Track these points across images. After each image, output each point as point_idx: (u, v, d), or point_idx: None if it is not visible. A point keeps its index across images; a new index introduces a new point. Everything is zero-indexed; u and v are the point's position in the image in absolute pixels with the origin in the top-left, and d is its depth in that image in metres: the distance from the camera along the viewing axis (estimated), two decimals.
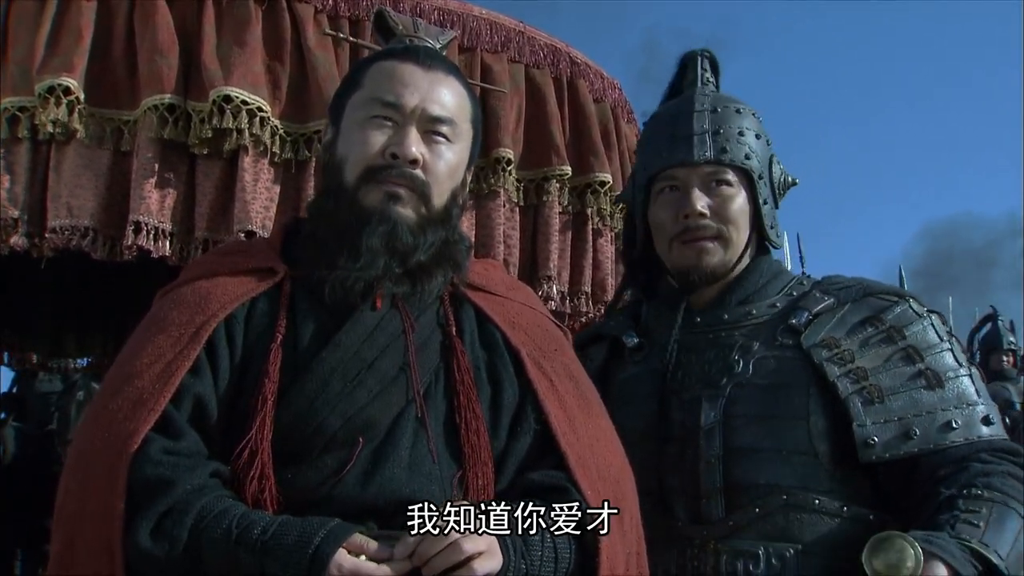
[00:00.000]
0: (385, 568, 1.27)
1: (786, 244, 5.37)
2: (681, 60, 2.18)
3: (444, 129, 1.56)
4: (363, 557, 1.27)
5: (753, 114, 2.07)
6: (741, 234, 1.99)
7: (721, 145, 1.98)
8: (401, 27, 1.69)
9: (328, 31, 2.82)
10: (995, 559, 1.64)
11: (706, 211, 1.95)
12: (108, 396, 1.41)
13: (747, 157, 2.00)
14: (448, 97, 1.57)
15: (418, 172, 1.52)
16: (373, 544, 1.29)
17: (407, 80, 1.55)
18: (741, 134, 2.01)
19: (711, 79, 2.14)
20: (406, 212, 1.51)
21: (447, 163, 1.56)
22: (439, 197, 1.55)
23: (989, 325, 8.90)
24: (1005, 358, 8.55)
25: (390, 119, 1.54)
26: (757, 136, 2.04)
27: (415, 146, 1.52)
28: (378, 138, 1.53)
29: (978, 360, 8.43)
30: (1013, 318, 9.06)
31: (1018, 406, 7.57)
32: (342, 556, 1.26)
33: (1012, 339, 8.76)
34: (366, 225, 1.49)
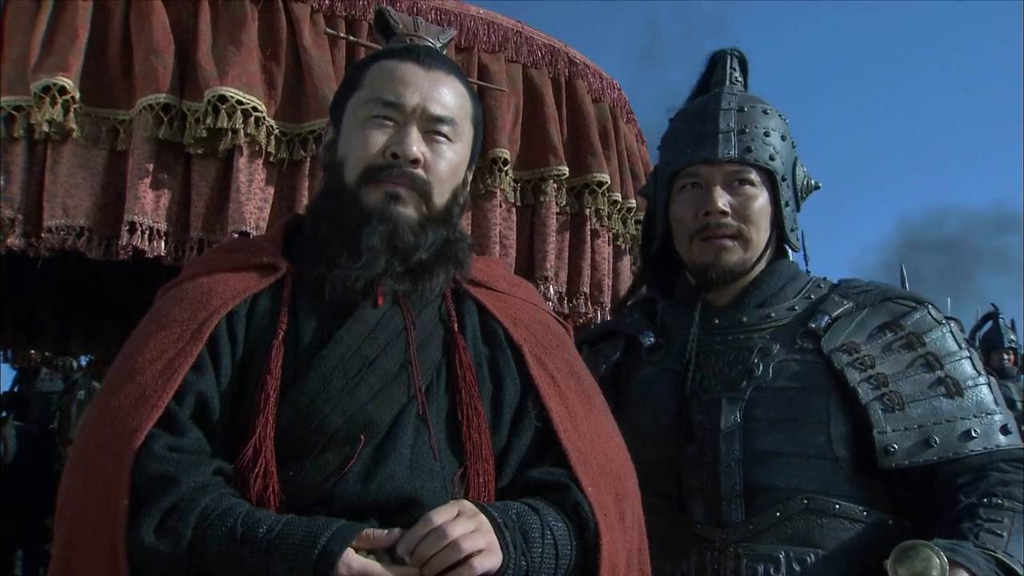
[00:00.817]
0: (397, 569, 1.26)
1: None
2: (710, 58, 2.17)
3: (445, 129, 1.55)
4: (372, 557, 1.27)
5: (779, 116, 2.06)
6: (761, 234, 1.98)
7: (746, 144, 1.98)
8: (401, 26, 1.68)
9: (328, 30, 2.81)
10: (1020, 570, 1.64)
11: (727, 209, 1.95)
12: (110, 393, 1.40)
13: (771, 158, 1.99)
14: (449, 96, 1.57)
15: (419, 171, 1.52)
16: (381, 533, 1.29)
17: (408, 79, 1.55)
18: (767, 134, 2.00)
19: (739, 78, 2.13)
20: (407, 212, 1.51)
21: (448, 162, 1.55)
22: (440, 196, 1.55)
23: (990, 323, 8.91)
24: (1006, 356, 8.56)
25: (391, 119, 1.53)
26: (782, 138, 2.03)
27: (416, 145, 1.52)
28: (379, 138, 1.52)
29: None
30: (993, 302, 9.09)
31: (1019, 405, 7.57)
32: (350, 555, 1.25)
33: (1013, 337, 8.77)
34: (366, 224, 1.49)
